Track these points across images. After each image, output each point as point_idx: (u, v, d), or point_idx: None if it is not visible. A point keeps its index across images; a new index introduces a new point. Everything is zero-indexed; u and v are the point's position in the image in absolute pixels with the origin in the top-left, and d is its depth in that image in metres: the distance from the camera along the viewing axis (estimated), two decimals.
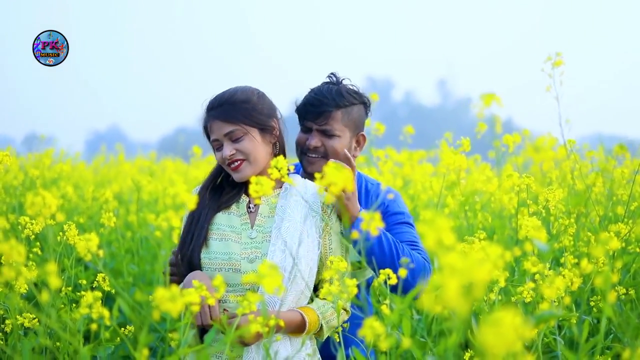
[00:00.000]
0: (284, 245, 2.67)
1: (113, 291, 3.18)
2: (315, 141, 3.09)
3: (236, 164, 2.76)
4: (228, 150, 2.75)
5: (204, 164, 5.56)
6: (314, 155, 3.11)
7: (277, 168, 2.34)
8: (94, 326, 2.10)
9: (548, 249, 1.74)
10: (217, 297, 2.22)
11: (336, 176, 1.69)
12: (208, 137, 2.85)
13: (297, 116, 3.21)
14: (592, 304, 2.75)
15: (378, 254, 2.76)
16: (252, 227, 2.77)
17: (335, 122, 3.09)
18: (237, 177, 2.78)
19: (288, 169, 2.38)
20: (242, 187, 2.83)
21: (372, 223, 1.81)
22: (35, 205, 1.93)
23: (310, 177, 2.98)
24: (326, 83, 3.18)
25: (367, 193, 3.22)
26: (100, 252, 2.14)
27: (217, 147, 2.80)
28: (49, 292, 1.84)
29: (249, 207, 2.83)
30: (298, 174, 3.12)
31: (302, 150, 3.14)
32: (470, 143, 3.76)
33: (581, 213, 3.64)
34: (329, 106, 3.07)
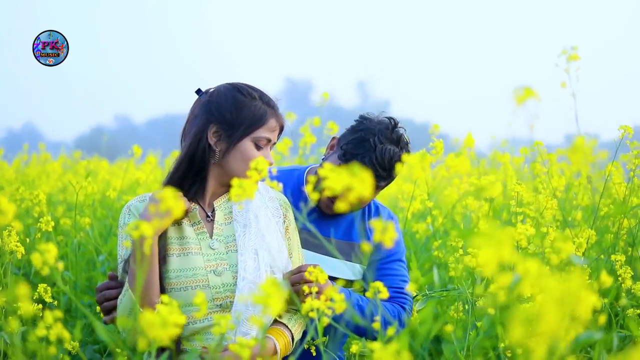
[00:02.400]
0: (255, 254, 2.43)
1: (55, 302, 2.92)
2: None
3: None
4: (270, 157, 2.51)
5: (146, 165, 5.22)
6: (331, 201, 2.81)
7: (257, 170, 2.10)
8: (52, 350, 1.83)
9: (586, 262, 1.55)
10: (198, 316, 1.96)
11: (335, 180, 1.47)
12: (251, 124, 2.49)
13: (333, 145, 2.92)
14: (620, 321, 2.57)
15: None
16: (211, 237, 2.48)
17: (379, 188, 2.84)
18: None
19: (270, 172, 2.14)
20: (195, 194, 2.55)
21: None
22: None
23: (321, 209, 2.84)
24: (385, 135, 2.79)
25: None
26: (60, 265, 1.86)
27: (263, 145, 2.50)
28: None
29: (208, 216, 2.54)
30: (281, 179, 2.87)
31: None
32: (443, 145, 3.60)
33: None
34: (383, 179, 2.78)
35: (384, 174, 2.75)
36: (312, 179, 1.85)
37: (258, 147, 2.48)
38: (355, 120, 2.88)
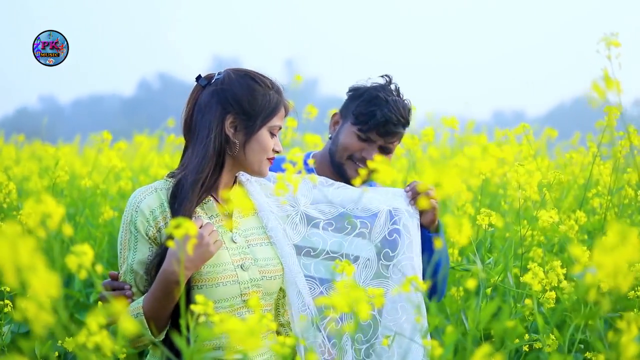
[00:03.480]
0: (292, 249, 2.37)
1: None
2: (372, 156, 2.64)
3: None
4: (279, 145, 2.43)
5: (111, 152, 4.97)
6: (362, 167, 2.72)
7: (292, 163, 2.02)
8: (94, 358, 1.72)
9: None
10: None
11: (442, 178, 1.41)
12: (268, 114, 2.42)
13: (341, 113, 2.87)
14: None
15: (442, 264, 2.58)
16: (231, 230, 2.36)
17: (399, 140, 2.82)
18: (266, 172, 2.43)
19: (307, 163, 2.08)
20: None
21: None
22: (35, 215, 1.53)
23: (348, 182, 2.70)
24: (389, 90, 2.80)
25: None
26: (99, 268, 1.75)
27: (276, 133, 2.44)
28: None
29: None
30: (307, 167, 2.79)
31: (352, 156, 2.75)
32: (433, 132, 3.59)
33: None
34: (404, 127, 2.78)
35: (404, 122, 2.76)
36: (362, 172, 1.78)
37: (272, 135, 2.43)
38: (348, 93, 2.86)
